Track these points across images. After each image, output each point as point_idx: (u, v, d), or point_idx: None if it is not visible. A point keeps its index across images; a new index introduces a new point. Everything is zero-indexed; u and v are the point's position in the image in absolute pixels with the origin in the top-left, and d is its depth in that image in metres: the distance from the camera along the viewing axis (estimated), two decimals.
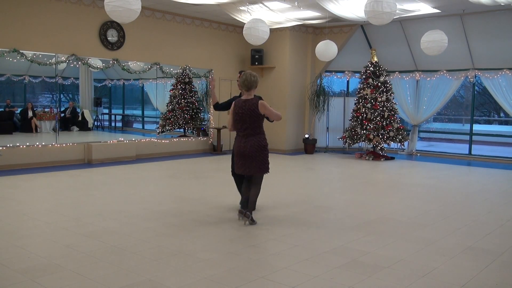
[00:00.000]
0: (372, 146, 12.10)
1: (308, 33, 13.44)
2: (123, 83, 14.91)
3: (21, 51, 9.33)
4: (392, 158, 12.07)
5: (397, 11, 7.37)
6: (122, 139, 11.36)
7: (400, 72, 13.23)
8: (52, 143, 9.97)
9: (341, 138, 12.48)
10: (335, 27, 13.04)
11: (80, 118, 13.68)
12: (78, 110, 13.79)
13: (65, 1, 9.91)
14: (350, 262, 4.18)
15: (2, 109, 12.78)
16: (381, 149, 11.94)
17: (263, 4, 9.84)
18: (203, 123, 12.91)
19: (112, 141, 10.92)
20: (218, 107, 6.08)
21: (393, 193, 7.85)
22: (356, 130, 11.94)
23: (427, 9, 10.22)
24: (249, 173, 5.35)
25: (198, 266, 4.02)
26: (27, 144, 9.61)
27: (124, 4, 6.10)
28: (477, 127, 14.21)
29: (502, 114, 21.20)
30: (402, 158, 12.37)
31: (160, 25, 11.65)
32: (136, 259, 4.17)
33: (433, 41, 9.19)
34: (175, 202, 6.59)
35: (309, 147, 13.16)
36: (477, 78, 12.26)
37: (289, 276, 3.82)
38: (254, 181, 5.43)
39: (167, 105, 12.73)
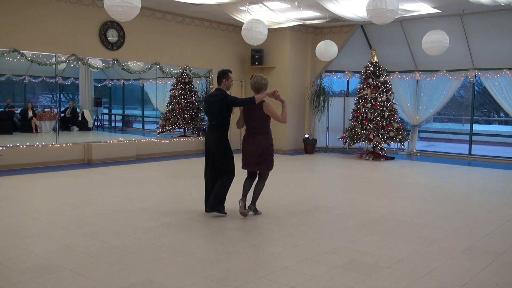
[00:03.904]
0: (372, 146, 12.10)
1: (308, 33, 13.44)
2: (123, 83, 14.90)
3: (21, 51, 9.33)
4: (392, 158, 12.07)
5: (398, 10, 7.34)
6: (122, 139, 11.36)
7: (400, 72, 13.23)
8: (52, 143, 9.97)
9: (341, 138, 12.48)
10: (335, 27, 13.05)
11: (80, 118, 13.68)
12: (78, 110, 13.79)
13: (65, 1, 9.91)
14: (350, 262, 4.18)
15: (2, 109, 12.78)
16: (381, 149, 11.93)
17: (263, 4, 9.84)
18: (203, 123, 12.90)
19: (112, 141, 10.92)
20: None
21: (393, 193, 7.85)
22: (356, 130, 11.94)
23: (427, 9, 10.22)
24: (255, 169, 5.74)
25: (198, 266, 4.02)
26: (27, 144, 9.61)
27: (123, 2, 6.09)
28: (477, 127, 14.22)
29: (502, 114, 21.21)
30: (402, 158, 12.37)
31: (160, 25, 11.65)
32: (136, 259, 4.17)
33: (435, 41, 9.19)
34: (175, 202, 6.59)
35: (309, 147, 13.16)
36: (477, 78, 12.26)
37: (289, 276, 3.82)
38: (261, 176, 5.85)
39: (167, 105, 12.73)
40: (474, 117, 12.97)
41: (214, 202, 5.63)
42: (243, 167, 5.76)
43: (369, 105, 11.81)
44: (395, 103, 12.18)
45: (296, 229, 5.27)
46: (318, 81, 13.48)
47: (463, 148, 13.45)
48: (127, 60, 11.19)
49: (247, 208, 5.72)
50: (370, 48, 12.93)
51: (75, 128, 13.38)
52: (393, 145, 12.35)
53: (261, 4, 9.84)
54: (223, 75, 5.69)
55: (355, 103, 12.28)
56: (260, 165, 5.62)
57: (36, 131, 12.30)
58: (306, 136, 13.21)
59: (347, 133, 12.23)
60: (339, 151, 13.49)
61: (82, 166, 9.88)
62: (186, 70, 12.37)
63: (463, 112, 21.06)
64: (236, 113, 6.94)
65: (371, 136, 11.75)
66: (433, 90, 12.83)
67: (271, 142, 5.68)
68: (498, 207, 6.66)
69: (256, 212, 5.81)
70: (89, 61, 10.62)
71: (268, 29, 9.19)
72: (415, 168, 11.05)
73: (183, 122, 12.59)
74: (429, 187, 8.30)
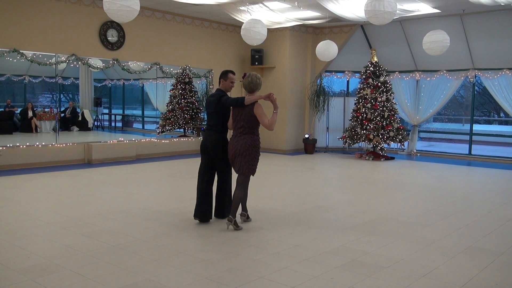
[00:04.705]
0: (372, 146, 12.10)
1: (308, 33, 13.44)
2: (123, 83, 14.91)
3: (21, 51, 9.33)
4: (392, 158, 12.07)
5: (397, 11, 7.34)
6: (122, 139, 11.36)
7: (400, 72, 13.23)
8: (52, 143, 9.97)
9: (341, 138, 12.48)
10: (335, 27, 13.05)
11: (80, 118, 13.68)
12: (78, 110, 13.79)
13: (65, 1, 9.91)
14: (350, 262, 4.18)
15: (2, 109, 12.78)
16: (381, 149, 11.93)
17: (263, 4, 9.84)
18: (203, 123, 12.90)
19: (112, 141, 10.92)
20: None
21: (393, 193, 7.85)
22: (356, 130, 11.94)
23: (427, 9, 10.22)
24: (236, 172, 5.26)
25: (198, 266, 4.02)
26: (27, 144, 9.60)
27: (123, 7, 6.10)
28: (477, 127, 14.22)
29: (502, 114, 21.20)
30: (402, 158, 12.37)
31: (160, 25, 11.65)
32: (136, 259, 4.17)
33: (436, 41, 9.18)
34: (175, 202, 6.59)
35: (309, 147, 13.16)
36: (477, 78, 12.26)
37: (289, 276, 3.82)
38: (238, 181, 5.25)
39: (167, 105, 12.74)
40: (474, 117, 12.97)
41: (217, 212, 5.61)
42: None
43: (369, 105, 11.81)
44: (395, 103, 12.19)
45: (296, 229, 5.27)
46: (318, 81, 13.48)
47: (463, 148, 13.45)
48: (127, 60, 11.19)
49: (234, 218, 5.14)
50: (370, 48, 12.94)
51: (75, 128, 13.39)
52: (393, 145, 12.36)
53: (261, 4, 9.84)
54: (222, 75, 5.69)
55: (355, 103, 12.27)
56: (234, 165, 5.15)
57: (36, 131, 12.30)
58: (306, 136, 13.21)
59: (347, 133, 12.23)
60: (339, 151, 13.49)
61: (82, 166, 9.88)
62: (186, 70, 12.37)
63: (463, 112, 21.06)
64: None
65: (371, 136, 11.75)
66: (433, 90, 12.83)
67: (256, 144, 5.15)
68: (498, 207, 6.66)
69: (233, 223, 5.06)
70: (89, 61, 10.61)
71: (268, 29, 9.18)
72: (415, 168, 11.05)
73: (183, 122, 12.59)
74: (429, 187, 8.30)
